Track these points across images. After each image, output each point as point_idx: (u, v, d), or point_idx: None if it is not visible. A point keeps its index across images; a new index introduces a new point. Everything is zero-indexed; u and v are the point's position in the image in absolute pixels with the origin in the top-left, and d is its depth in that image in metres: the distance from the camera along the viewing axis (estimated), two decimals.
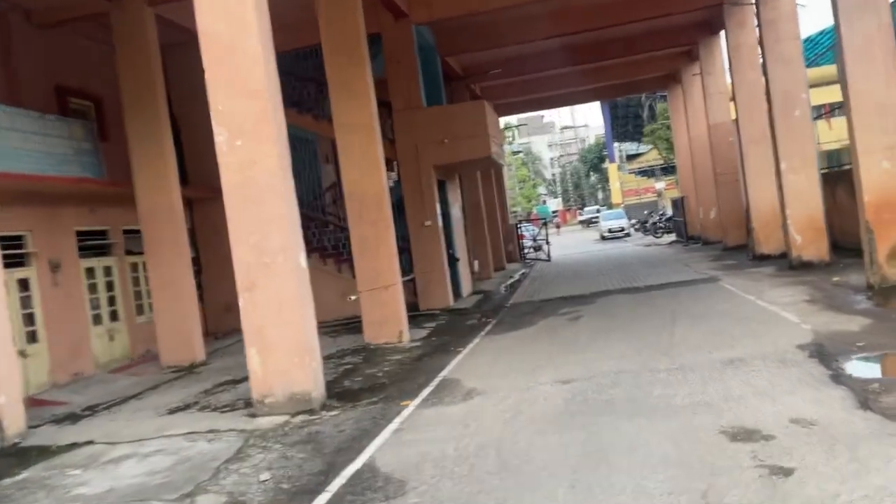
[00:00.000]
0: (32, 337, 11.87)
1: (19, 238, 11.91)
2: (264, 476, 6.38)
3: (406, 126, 17.30)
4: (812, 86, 16.62)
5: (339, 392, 9.35)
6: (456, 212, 20.23)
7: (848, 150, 15.86)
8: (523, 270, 27.26)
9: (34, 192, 11.81)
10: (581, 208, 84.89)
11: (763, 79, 17.01)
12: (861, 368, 7.59)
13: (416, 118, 17.30)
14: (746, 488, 4.74)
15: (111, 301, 13.98)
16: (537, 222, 39.73)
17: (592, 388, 7.88)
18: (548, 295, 17.92)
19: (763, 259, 18.47)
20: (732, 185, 23.20)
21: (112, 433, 8.68)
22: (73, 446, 8.27)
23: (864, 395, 6.39)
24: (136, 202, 13.14)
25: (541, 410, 7.27)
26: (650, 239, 37.54)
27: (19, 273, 11.80)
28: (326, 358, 11.40)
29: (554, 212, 77.58)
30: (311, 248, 17.06)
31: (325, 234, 18.69)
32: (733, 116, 21.43)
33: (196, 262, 15.79)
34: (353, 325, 14.82)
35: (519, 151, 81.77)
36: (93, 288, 13.52)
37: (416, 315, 15.51)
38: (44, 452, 8.16)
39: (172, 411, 9.56)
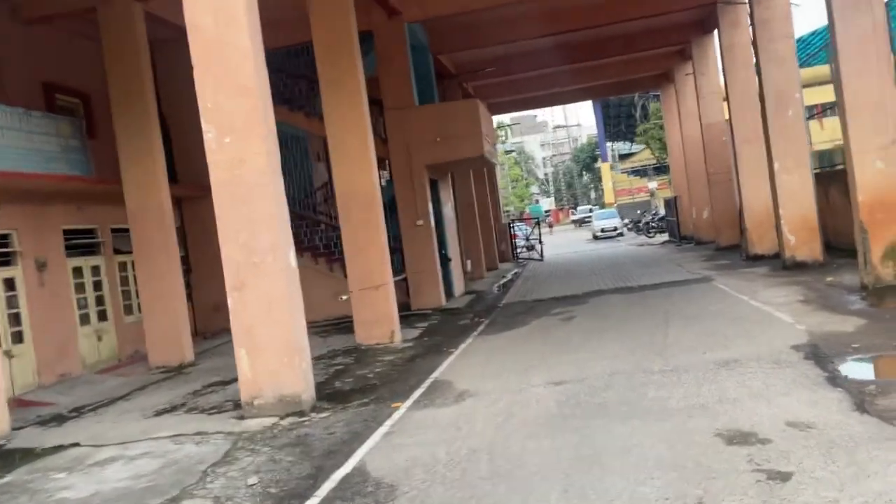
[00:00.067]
0: (18, 337, 11.72)
1: (5, 237, 11.76)
2: (252, 480, 6.26)
3: (398, 125, 17.19)
4: (804, 86, 16.59)
5: (329, 393, 9.23)
6: (448, 211, 20.13)
7: (840, 150, 15.87)
8: (516, 270, 27.20)
9: (20, 190, 11.64)
10: (574, 208, 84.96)
11: (756, 78, 16.97)
12: (856, 370, 7.53)
13: (408, 117, 17.18)
14: (743, 494, 4.65)
15: (99, 301, 13.82)
16: (530, 222, 39.64)
17: (585, 389, 7.79)
18: (540, 295, 17.84)
19: (756, 259, 18.44)
20: (725, 184, 23.18)
21: (98, 435, 8.55)
22: (59, 448, 8.15)
23: (861, 398, 6.32)
24: (124, 200, 12.98)
25: (533, 413, 7.17)
26: (643, 239, 37.55)
27: (5, 272, 11.65)
28: (317, 358, 11.30)
29: (546, 211, 77.64)
30: (302, 247, 16.97)
31: (317, 233, 18.56)
32: (726, 116, 21.42)
33: (185, 261, 15.65)
34: (344, 324, 14.71)
35: (512, 151, 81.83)
36: (80, 287, 13.35)
37: (407, 315, 15.40)
38: (28, 455, 8.04)
39: (160, 413, 9.43)
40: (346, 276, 13.46)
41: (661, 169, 50.25)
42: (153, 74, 13.61)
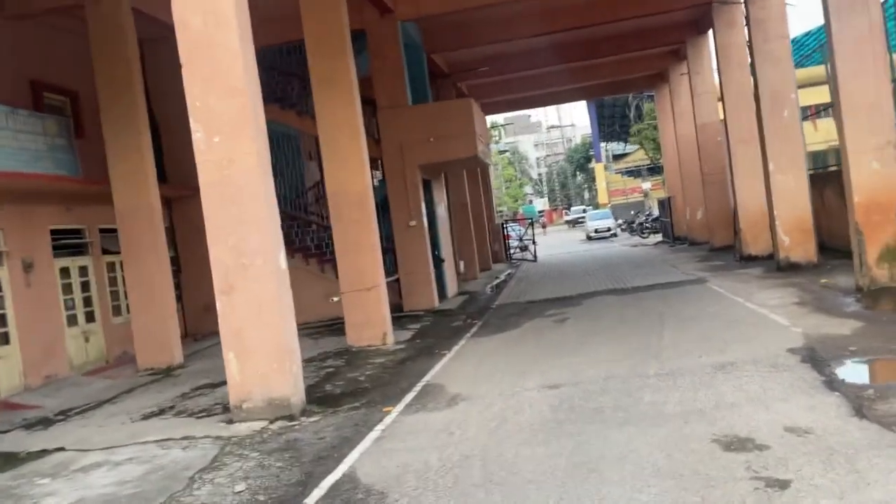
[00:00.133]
0: (4, 338, 11.56)
1: None
2: (240, 487, 6.12)
3: (391, 124, 17.05)
4: (798, 87, 16.53)
5: (319, 397, 9.10)
6: (441, 211, 20.01)
7: (834, 151, 15.84)
8: (509, 271, 27.10)
9: (5, 190, 11.44)
10: (567, 208, 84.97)
11: (751, 78, 16.91)
12: (854, 373, 7.44)
13: (401, 116, 17.05)
14: (742, 502, 4.55)
15: (87, 302, 13.64)
16: (523, 222, 39.57)
17: (580, 394, 7.68)
18: (534, 296, 17.74)
19: (750, 260, 18.38)
20: (719, 185, 23.14)
21: (84, 439, 8.41)
22: (44, 453, 8.01)
23: (859, 402, 6.22)
24: (112, 200, 12.80)
25: (527, 418, 7.05)
26: (637, 239, 37.53)
27: None
28: (308, 361, 11.17)
29: (540, 211, 77.59)
30: (293, 248, 16.84)
31: (308, 234, 18.41)
32: (721, 116, 21.35)
33: (175, 262, 15.47)
34: (336, 326, 14.57)
35: (505, 151, 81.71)
36: (67, 288, 13.17)
37: (400, 316, 15.27)
38: (12, 459, 7.89)
39: (147, 416, 9.28)
40: (337, 277, 13.32)
41: (654, 169, 50.29)
42: (143, 73, 13.43)
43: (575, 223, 65.00)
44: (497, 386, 8.58)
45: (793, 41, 17.53)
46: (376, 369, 10.70)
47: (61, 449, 8.07)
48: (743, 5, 17.02)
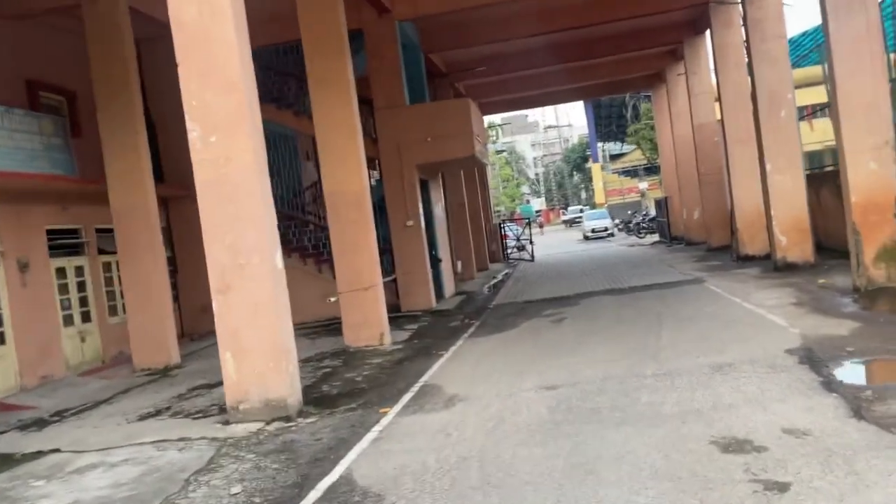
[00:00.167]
0: (0, 339, 11.48)
1: None
2: (236, 489, 6.09)
3: (388, 124, 17.02)
4: (795, 87, 16.53)
5: (316, 398, 9.06)
6: (439, 211, 19.97)
7: (831, 151, 15.83)
8: (507, 271, 27.07)
9: (1, 189, 11.38)
10: (564, 208, 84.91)
11: (748, 79, 16.90)
12: (852, 374, 7.43)
13: (398, 116, 17.02)
14: None
15: (83, 302, 13.59)
16: (521, 222, 39.52)
17: (577, 394, 7.66)
18: (531, 296, 17.71)
19: (747, 260, 18.37)
20: (716, 185, 23.12)
21: (79, 440, 8.37)
22: (39, 454, 7.96)
23: (857, 404, 6.21)
24: (109, 200, 12.76)
25: (524, 419, 7.03)
26: (633, 239, 37.51)
27: None
28: (305, 361, 11.14)
29: (537, 211, 77.48)
30: (290, 248, 16.81)
31: (305, 234, 18.37)
32: (718, 116, 21.34)
33: (171, 261, 15.44)
34: (333, 326, 14.53)
35: (502, 150, 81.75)
36: (63, 288, 13.13)
37: (397, 317, 15.24)
38: (7, 461, 7.85)
39: (143, 417, 9.25)
40: (334, 277, 13.29)
41: (651, 169, 50.32)
42: (139, 72, 13.37)
43: (572, 223, 64.94)
44: (494, 386, 8.55)
45: (790, 41, 17.54)
46: (373, 370, 10.67)
47: (57, 450, 8.03)
48: (740, 5, 17.01)
